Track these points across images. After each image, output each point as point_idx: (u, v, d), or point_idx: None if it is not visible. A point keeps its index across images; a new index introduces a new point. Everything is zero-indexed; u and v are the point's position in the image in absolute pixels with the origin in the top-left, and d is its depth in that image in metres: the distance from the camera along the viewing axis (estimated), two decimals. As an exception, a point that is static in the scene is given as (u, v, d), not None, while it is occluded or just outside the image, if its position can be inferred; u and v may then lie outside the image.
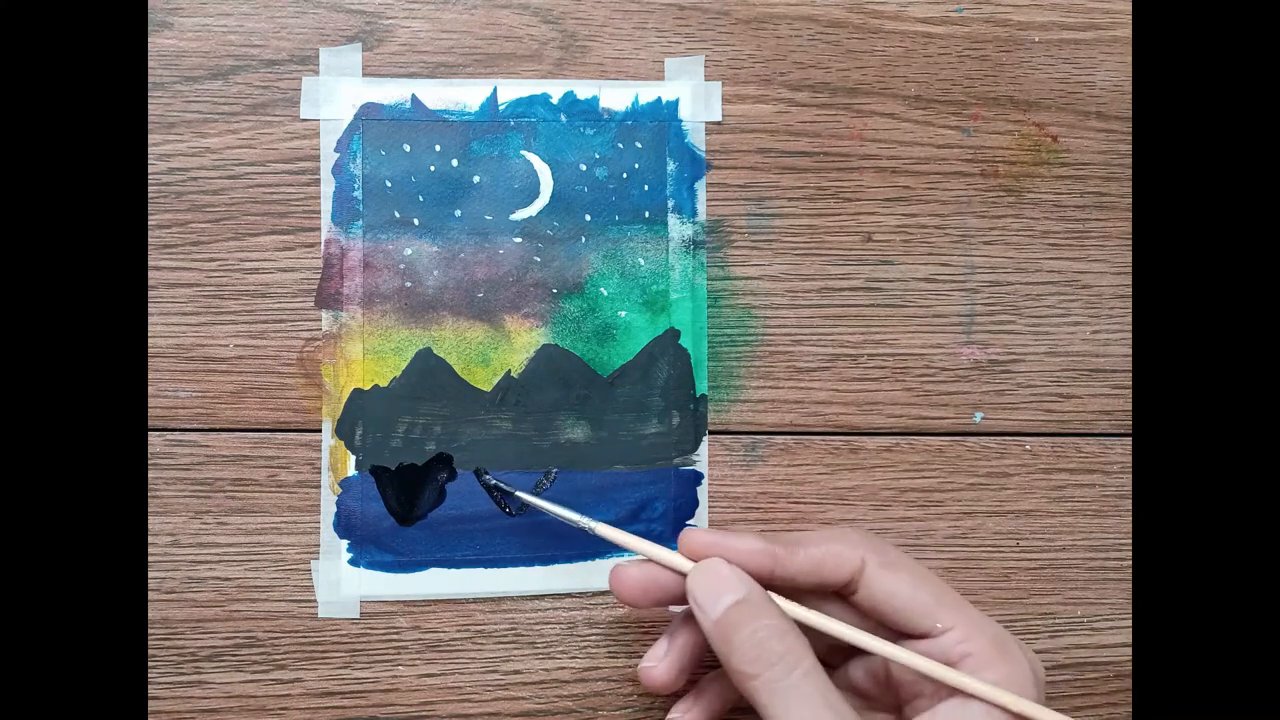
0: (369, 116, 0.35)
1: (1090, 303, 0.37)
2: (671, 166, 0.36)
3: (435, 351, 0.35)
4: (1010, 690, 0.27)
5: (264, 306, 0.35)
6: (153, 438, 0.34)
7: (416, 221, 0.35)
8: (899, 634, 0.29)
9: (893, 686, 0.30)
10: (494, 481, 0.34)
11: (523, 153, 0.36)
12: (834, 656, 0.32)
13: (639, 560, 0.31)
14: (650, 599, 0.30)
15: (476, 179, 0.35)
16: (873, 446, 0.36)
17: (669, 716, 0.32)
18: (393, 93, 0.35)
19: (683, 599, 0.30)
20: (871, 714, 0.31)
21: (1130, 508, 0.37)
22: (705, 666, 0.32)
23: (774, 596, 0.29)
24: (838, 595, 0.30)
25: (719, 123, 0.36)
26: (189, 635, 0.34)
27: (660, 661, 0.31)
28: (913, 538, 0.36)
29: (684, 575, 0.30)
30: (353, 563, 0.34)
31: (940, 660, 0.28)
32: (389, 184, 0.35)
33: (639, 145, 0.36)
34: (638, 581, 0.30)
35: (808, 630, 0.29)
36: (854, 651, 0.31)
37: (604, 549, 0.35)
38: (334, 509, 0.34)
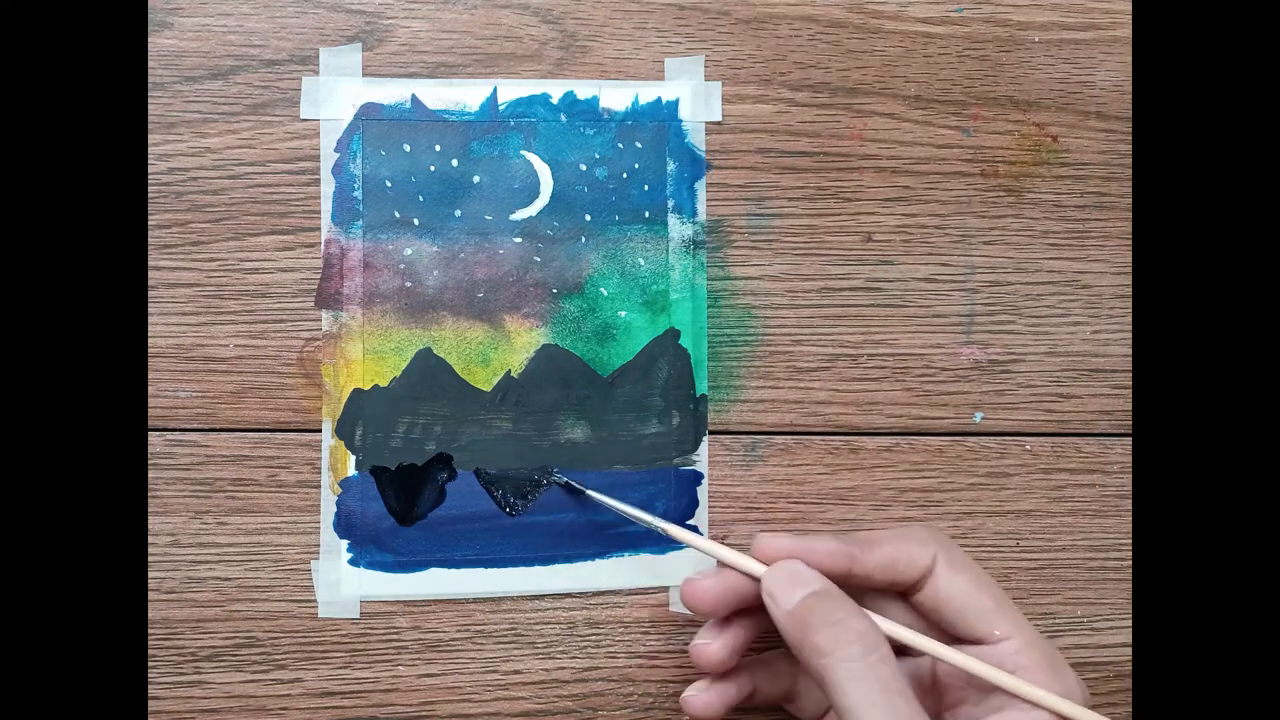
0: (369, 116, 0.35)
1: (1090, 303, 0.37)
2: (671, 166, 0.36)
3: (435, 351, 0.35)
4: None
5: (264, 306, 0.35)
6: (153, 438, 0.34)
7: (416, 221, 0.35)
8: (951, 638, 0.29)
9: (937, 691, 0.30)
10: (565, 480, 0.35)
11: (523, 153, 0.36)
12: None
13: (711, 572, 0.31)
14: (725, 608, 0.30)
15: (476, 179, 0.35)
16: (873, 446, 0.36)
17: (685, 694, 0.32)
18: (393, 93, 0.35)
19: (754, 603, 0.30)
20: None
21: (1130, 508, 0.37)
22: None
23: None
24: (897, 595, 0.30)
25: (719, 123, 0.36)
26: (189, 635, 0.34)
27: (715, 639, 0.31)
28: (913, 538, 0.36)
29: (757, 579, 0.30)
30: (353, 563, 0.34)
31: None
32: (389, 184, 0.35)
33: (639, 145, 0.36)
34: (713, 591, 0.30)
35: None
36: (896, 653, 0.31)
37: (604, 549, 0.35)
38: (334, 509, 0.34)
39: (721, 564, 0.31)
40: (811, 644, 0.28)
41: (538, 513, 0.35)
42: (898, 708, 0.26)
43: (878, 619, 0.29)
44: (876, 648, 0.27)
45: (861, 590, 0.30)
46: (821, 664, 0.27)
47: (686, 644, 0.35)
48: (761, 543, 0.30)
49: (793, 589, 0.29)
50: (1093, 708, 0.28)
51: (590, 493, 0.34)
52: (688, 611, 0.34)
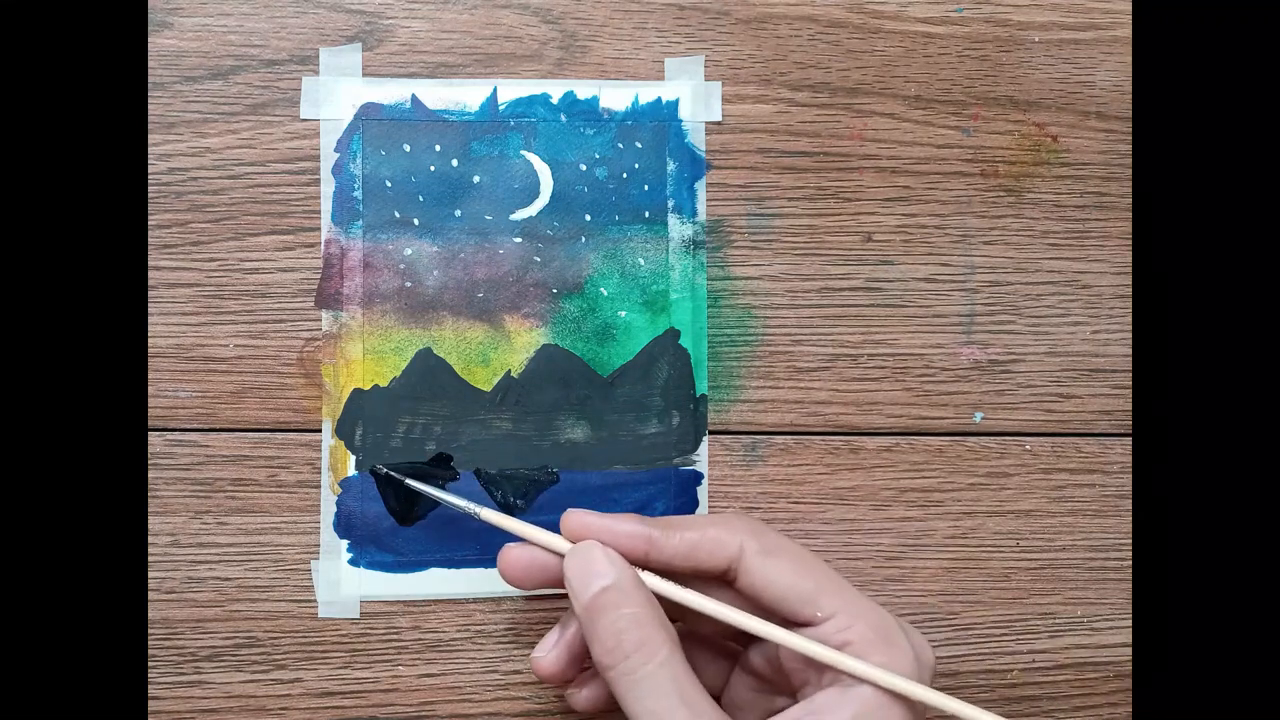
0: (369, 116, 0.35)
1: (1090, 303, 0.37)
2: (671, 166, 0.36)
3: (435, 351, 0.35)
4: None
5: (264, 306, 0.35)
6: (153, 438, 0.34)
7: (416, 221, 0.35)
8: (785, 623, 0.29)
9: (783, 673, 0.30)
10: (385, 471, 0.34)
11: (523, 153, 0.36)
12: (739, 640, 0.32)
13: (524, 544, 0.31)
14: (534, 580, 0.30)
15: (476, 179, 0.35)
16: (873, 446, 0.36)
17: (533, 653, 0.31)
18: (393, 93, 0.35)
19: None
20: (773, 699, 0.31)
21: (1130, 508, 0.37)
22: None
23: (653, 578, 0.29)
24: (723, 582, 0.30)
25: (719, 123, 0.36)
26: (189, 635, 0.34)
27: (550, 651, 0.31)
28: (913, 538, 0.36)
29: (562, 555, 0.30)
30: (353, 563, 0.34)
31: None
32: (389, 184, 0.35)
33: (639, 145, 0.36)
34: (520, 561, 0.30)
35: (696, 615, 0.29)
36: (753, 637, 0.31)
37: (604, 549, 0.35)
38: (334, 509, 0.34)
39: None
40: (595, 655, 0.28)
41: (538, 513, 0.35)
42: (676, 716, 0.26)
43: (695, 597, 0.29)
44: (655, 654, 0.27)
45: (669, 577, 0.30)
46: (607, 677, 0.27)
47: (686, 644, 0.35)
48: (567, 519, 0.30)
49: (587, 580, 0.28)
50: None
51: (409, 481, 0.33)
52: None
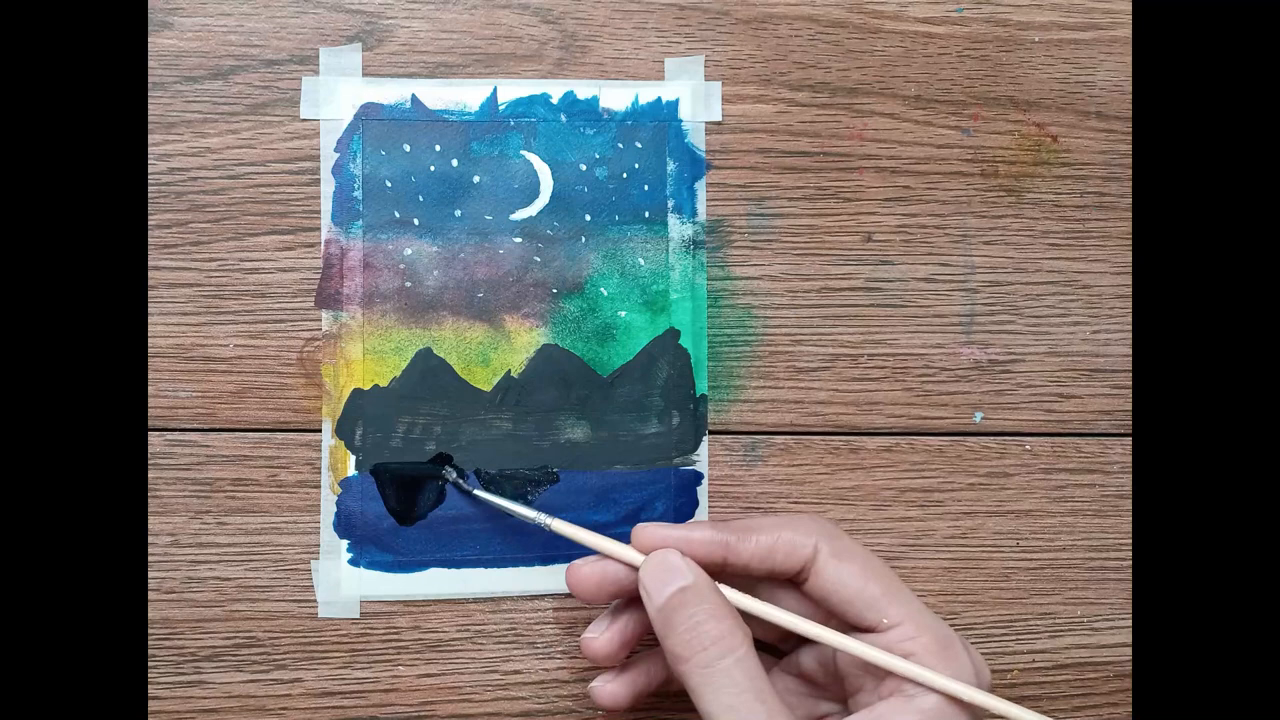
0: (369, 116, 0.35)
1: (1090, 303, 0.37)
2: (671, 166, 0.36)
3: (435, 351, 0.35)
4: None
5: (264, 306, 0.35)
6: (153, 438, 0.34)
7: (416, 221, 0.35)
8: (847, 626, 0.29)
9: (839, 677, 0.30)
10: (453, 478, 0.34)
11: (523, 153, 0.36)
12: (786, 642, 0.32)
13: (594, 558, 0.31)
14: (606, 594, 0.30)
15: (476, 179, 0.35)
16: (873, 446, 0.36)
17: (592, 684, 0.32)
18: (393, 93, 0.35)
19: (636, 593, 0.30)
20: (818, 703, 0.31)
21: (1130, 508, 0.37)
22: (643, 645, 0.32)
23: (722, 587, 0.29)
24: (790, 583, 0.30)
25: (719, 123, 0.36)
26: (189, 635, 0.34)
27: (603, 632, 0.31)
28: (913, 538, 0.36)
29: (636, 569, 0.30)
30: (353, 563, 0.34)
31: None
32: (389, 184, 0.35)
33: (639, 145, 0.36)
34: (592, 577, 0.30)
35: (758, 620, 0.29)
36: (804, 641, 0.31)
37: (604, 549, 0.35)
38: (334, 509, 0.34)
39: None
40: (670, 647, 0.28)
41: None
42: (753, 711, 0.26)
43: (755, 604, 0.29)
44: (733, 650, 0.27)
45: (744, 579, 0.30)
46: (681, 669, 0.28)
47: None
48: (640, 533, 0.30)
49: (664, 583, 0.29)
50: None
51: (478, 493, 0.34)
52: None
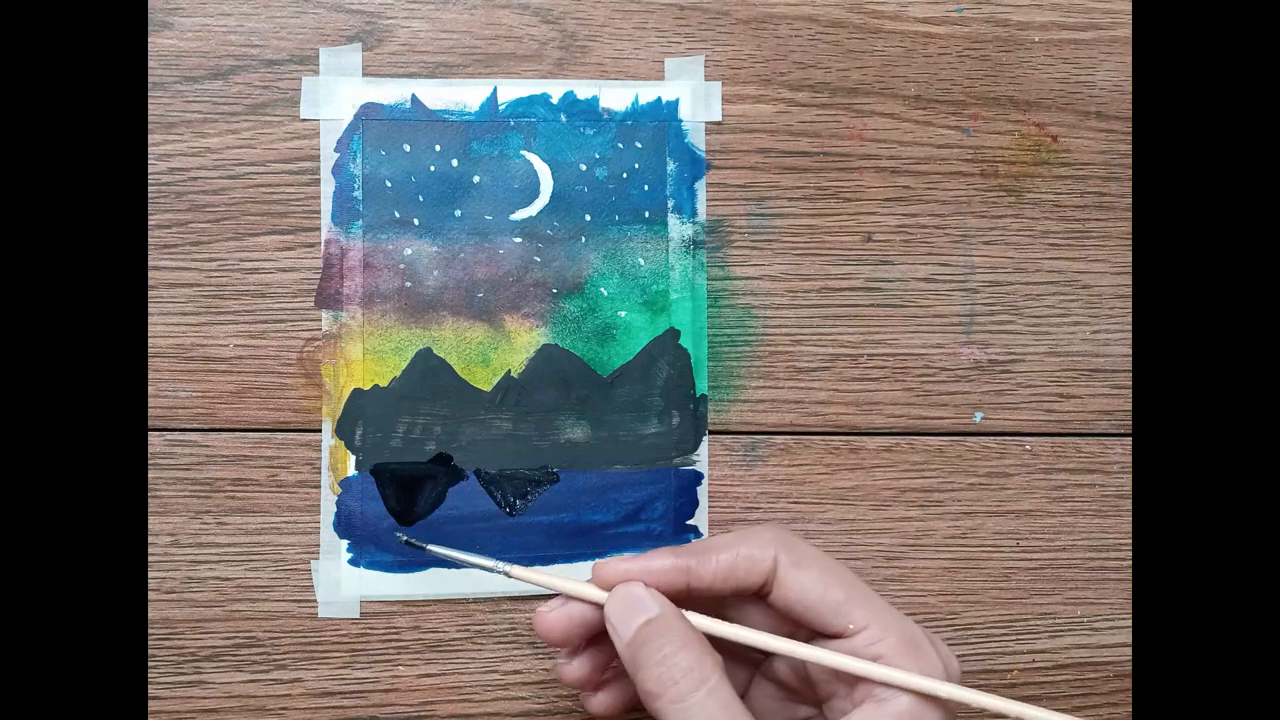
0: (369, 116, 0.35)
1: (1090, 303, 0.37)
2: (671, 166, 0.36)
3: (435, 351, 0.35)
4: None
5: (264, 306, 0.35)
6: (153, 438, 0.34)
7: (416, 221, 0.35)
8: (814, 634, 0.29)
9: (811, 686, 0.30)
10: (404, 539, 0.32)
11: (523, 153, 0.36)
12: (759, 652, 0.32)
13: (558, 602, 0.30)
14: (576, 636, 0.30)
15: (476, 179, 0.35)
16: (873, 446, 0.36)
17: (582, 693, 0.32)
18: (393, 93, 0.35)
19: (604, 629, 0.30)
20: (797, 708, 0.31)
21: (1130, 508, 0.37)
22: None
23: (686, 613, 0.29)
24: (756, 597, 0.30)
25: (719, 123, 0.36)
26: (189, 635, 0.34)
27: (573, 660, 0.31)
28: (913, 538, 0.36)
29: (601, 606, 0.29)
30: (353, 563, 0.34)
31: None
32: (389, 184, 0.35)
33: (639, 145, 0.36)
34: (559, 623, 0.30)
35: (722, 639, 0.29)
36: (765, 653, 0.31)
37: (603, 549, 0.35)
38: (334, 509, 0.34)
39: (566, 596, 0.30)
40: (642, 685, 0.28)
41: (538, 513, 0.35)
42: None
43: (721, 627, 0.29)
44: (704, 681, 0.27)
45: (710, 600, 0.30)
46: (654, 707, 0.27)
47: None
48: (601, 568, 0.30)
49: (630, 616, 0.28)
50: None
51: (431, 548, 0.31)
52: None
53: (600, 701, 0.31)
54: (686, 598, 0.29)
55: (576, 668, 0.31)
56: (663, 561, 0.29)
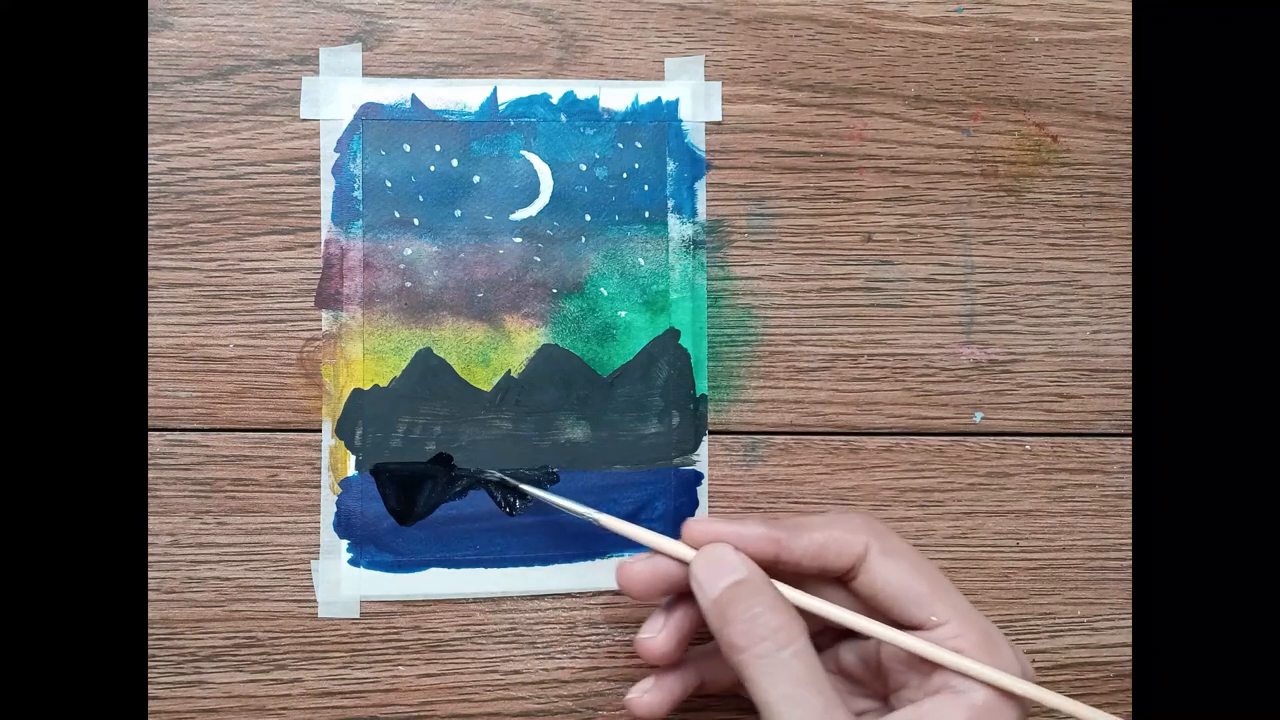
0: (369, 116, 0.35)
1: (1090, 303, 0.37)
2: (671, 166, 0.36)
3: (435, 351, 0.35)
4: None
5: (264, 306, 0.35)
6: (153, 438, 0.34)
7: (416, 221, 0.35)
8: (892, 623, 0.30)
9: (882, 673, 0.30)
10: (498, 477, 0.34)
11: (523, 153, 0.36)
12: (823, 638, 0.32)
13: (644, 556, 0.31)
14: (657, 591, 0.30)
15: (476, 179, 0.35)
16: (873, 446, 0.36)
17: (628, 696, 0.32)
18: (393, 93, 0.35)
19: (687, 588, 0.30)
20: (855, 699, 0.31)
21: (1130, 508, 0.37)
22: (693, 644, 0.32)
23: (774, 582, 0.29)
24: (835, 580, 0.30)
25: (719, 123, 0.36)
26: (189, 635, 0.34)
27: (659, 632, 0.31)
28: (913, 538, 0.36)
29: (687, 564, 0.30)
30: (353, 563, 0.34)
31: None
32: (389, 184, 0.35)
33: (639, 145, 0.36)
34: (644, 575, 0.30)
35: (802, 614, 0.29)
36: (843, 635, 0.31)
37: (604, 548, 0.35)
38: (334, 509, 0.34)
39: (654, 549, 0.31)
40: (728, 638, 0.28)
41: (538, 513, 0.35)
42: (811, 703, 0.26)
43: (810, 600, 0.29)
44: (792, 641, 0.27)
45: (793, 576, 0.30)
46: (738, 659, 0.28)
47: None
48: (690, 528, 0.30)
49: (717, 576, 0.29)
50: (1093, 708, 0.28)
51: (526, 488, 0.34)
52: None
53: (648, 702, 0.31)
54: (770, 570, 0.29)
55: (663, 640, 0.31)
56: (755, 529, 0.30)
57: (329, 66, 0.35)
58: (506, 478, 0.34)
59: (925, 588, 0.29)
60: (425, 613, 0.35)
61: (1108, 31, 0.37)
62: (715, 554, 0.29)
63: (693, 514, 0.36)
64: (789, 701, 0.27)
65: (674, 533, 0.36)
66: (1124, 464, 0.37)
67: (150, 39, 0.35)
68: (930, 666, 0.28)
